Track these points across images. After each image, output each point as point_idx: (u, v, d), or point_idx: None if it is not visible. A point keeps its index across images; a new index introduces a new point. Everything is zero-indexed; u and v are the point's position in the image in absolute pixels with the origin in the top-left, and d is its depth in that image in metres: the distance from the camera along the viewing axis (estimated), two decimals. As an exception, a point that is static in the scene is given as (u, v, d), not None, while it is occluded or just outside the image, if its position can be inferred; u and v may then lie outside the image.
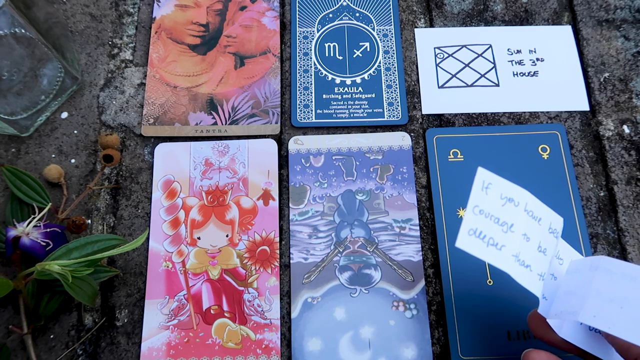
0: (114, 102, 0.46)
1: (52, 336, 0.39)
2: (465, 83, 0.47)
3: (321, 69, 0.47)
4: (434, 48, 0.48)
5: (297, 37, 0.49)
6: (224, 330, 0.39)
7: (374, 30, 0.49)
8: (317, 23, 0.49)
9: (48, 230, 0.38)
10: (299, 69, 0.47)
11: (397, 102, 0.46)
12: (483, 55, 0.48)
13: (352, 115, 0.45)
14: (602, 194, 0.43)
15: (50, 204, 0.40)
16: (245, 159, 0.44)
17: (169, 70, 0.47)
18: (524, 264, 0.28)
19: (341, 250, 0.41)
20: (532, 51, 0.48)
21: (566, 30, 0.48)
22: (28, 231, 0.37)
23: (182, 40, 0.49)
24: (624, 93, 0.46)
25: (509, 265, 0.27)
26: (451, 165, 0.43)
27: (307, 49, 0.48)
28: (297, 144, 0.44)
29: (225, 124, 0.45)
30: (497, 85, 0.47)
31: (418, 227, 0.41)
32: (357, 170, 0.43)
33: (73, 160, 0.44)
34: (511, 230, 0.27)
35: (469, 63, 0.47)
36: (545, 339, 0.30)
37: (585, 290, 0.26)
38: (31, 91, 0.43)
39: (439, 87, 0.47)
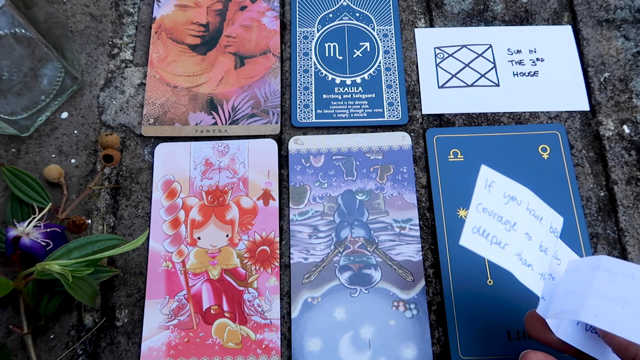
0: (114, 102, 0.46)
1: (52, 336, 0.39)
2: (465, 83, 0.47)
3: (321, 69, 0.47)
4: (434, 48, 0.48)
5: (297, 37, 0.49)
6: (224, 330, 0.39)
7: (374, 30, 0.49)
8: (317, 23, 0.49)
9: (48, 230, 0.38)
10: (299, 69, 0.47)
11: (397, 102, 0.46)
12: (483, 55, 0.48)
13: (352, 115, 0.45)
14: (602, 194, 0.43)
15: (50, 204, 0.40)
16: (245, 159, 0.44)
17: (169, 70, 0.47)
18: (526, 263, 0.28)
19: (341, 250, 0.41)
20: (532, 51, 0.48)
21: (566, 30, 0.48)
22: (28, 231, 0.37)
23: (182, 40, 0.49)
24: (624, 93, 0.46)
25: (512, 264, 0.27)
26: (451, 165, 0.43)
27: (307, 49, 0.48)
28: (297, 144, 0.44)
29: (225, 124, 0.45)
30: (497, 85, 0.46)
31: (418, 227, 0.41)
32: (357, 170, 0.43)
33: (73, 160, 0.44)
34: (514, 229, 0.28)
35: (469, 63, 0.47)
36: (542, 340, 0.30)
37: (585, 290, 0.26)
38: (31, 91, 0.43)
39: (439, 87, 0.47)
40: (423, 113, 0.46)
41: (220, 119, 0.45)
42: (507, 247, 0.27)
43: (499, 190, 0.28)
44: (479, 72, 0.47)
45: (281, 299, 0.40)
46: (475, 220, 0.26)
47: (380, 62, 0.47)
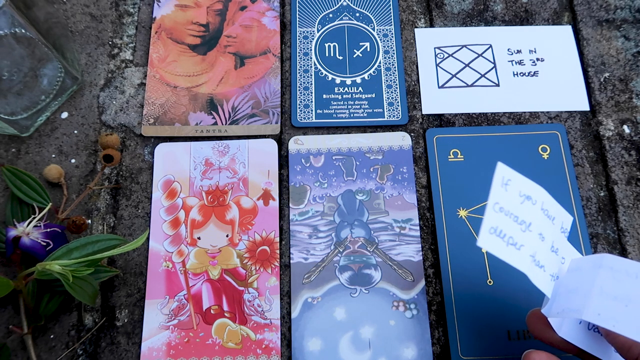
0: (114, 102, 0.46)
1: (52, 336, 0.39)
2: (465, 83, 0.47)
3: (321, 69, 0.47)
4: (434, 48, 0.48)
5: (297, 37, 0.49)
6: (224, 330, 0.39)
7: (374, 30, 0.49)
8: (317, 23, 0.49)
9: (48, 230, 0.38)
10: (299, 69, 0.47)
11: (397, 102, 0.46)
12: (483, 55, 0.48)
13: (352, 115, 0.45)
14: (602, 194, 0.43)
15: (50, 204, 0.40)
16: (245, 159, 0.44)
17: (169, 70, 0.47)
18: (539, 264, 0.27)
19: (341, 250, 0.41)
20: (532, 51, 0.48)
21: (566, 30, 0.48)
22: (28, 231, 0.37)
23: (182, 40, 0.49)
24: (624, 93, 0.46)
25: (526, 266, 0.27)
26: (451, 165, 0.43)
27: (307, 49, 0.48)
28: (297, 144, 0.44)
29: (226, 124, 0.45)
30: (497, 85, 0.47)
31: (418, 227, 0.41)
32: (357, 170, 0.43)
33: (73, 160, 0.44)
34: (529, 230, 0.27)
35: (469, 63, 0.47)
36: (544, 339, 0.30)
37: (588, 289, 0.26)
38: (31, 91, 0.43)
39: (439, 87, 0.47)
40: (423, 113, 0.46)
41: (220, 119, 0.45)
42: (522, 248, 0.27)
43: (515, 188, 0.27)
44: (479, 72, 0.47)
45: (281, 299, 0.40)
46: (492, 220, 0.26)
47: (380, 62, 0.47)
